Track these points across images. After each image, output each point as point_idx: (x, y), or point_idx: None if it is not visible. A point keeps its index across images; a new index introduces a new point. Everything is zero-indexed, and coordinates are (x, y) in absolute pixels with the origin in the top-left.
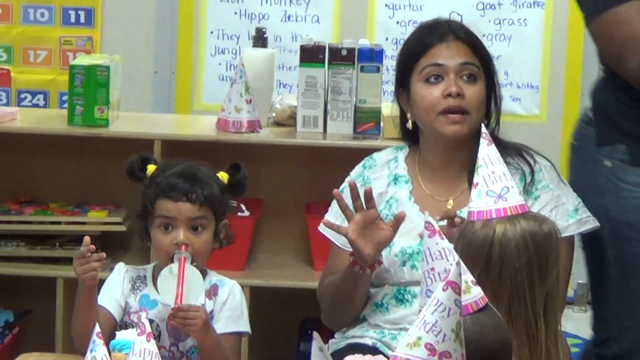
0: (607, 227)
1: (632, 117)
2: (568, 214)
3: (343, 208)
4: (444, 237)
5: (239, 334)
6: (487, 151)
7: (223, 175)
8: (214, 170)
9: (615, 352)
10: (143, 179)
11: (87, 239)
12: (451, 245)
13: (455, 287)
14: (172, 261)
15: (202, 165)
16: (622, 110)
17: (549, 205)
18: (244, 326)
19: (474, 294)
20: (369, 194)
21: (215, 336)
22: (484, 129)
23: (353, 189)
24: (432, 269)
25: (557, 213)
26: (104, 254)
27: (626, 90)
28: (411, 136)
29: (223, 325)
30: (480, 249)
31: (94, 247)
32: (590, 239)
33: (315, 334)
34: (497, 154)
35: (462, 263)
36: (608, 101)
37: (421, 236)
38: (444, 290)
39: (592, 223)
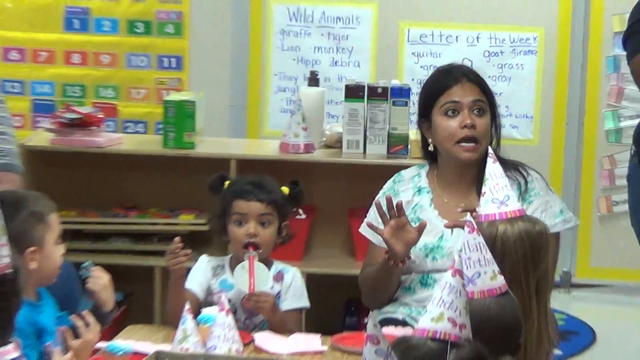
0: None
1: None
2: (555, 215)
3: (381, 215)
4: (481, 234)
5: (300, 310)
6: (492, 167)
7: (285, 189)
8: (277, 183)
9: None
10: (221, 192)
11: (177, 238)
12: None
13: (461, 274)
14: (245, 250)
15: (268, 177)
16: None
17: (540, 208)
18: (305, 302)
19: (499, 281)
20: (400, 206)
21: (280, 314)
22: (490, 151)
23: (389, 201)
24: (469, 258)
25: (546, 214)
26: (189, 250)
27: None
28: (431, 156)
29: (289, 303)
30: (486, 244)
31: (181, 244)
32: None
33: (372, 313)
34: (501, 169)
35: (491, 255)
36: None
37: (449, 225)
38: (453, 276)
39: (574, 222)
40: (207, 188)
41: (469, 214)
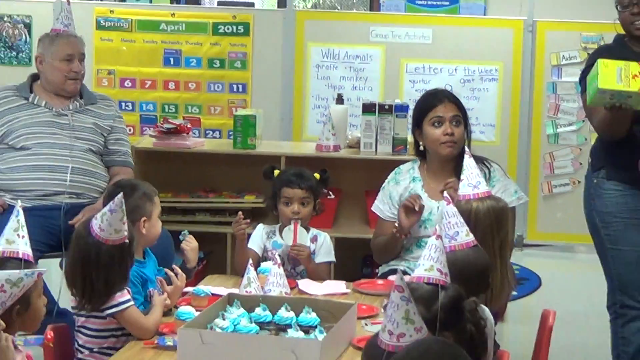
0: (598, 218)
1: (607, 153)
2: (511, 194)
3: (403, 205)
4: (455, 206)
5: (329, 263)
6: (468, 161)
7: (317, 175)
8: (312, 172)
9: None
10: (272, 178)
11: (239, 213)
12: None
13: (440, 238)
14: (289, 224)
15: (306, 169)
16: (602, 150)
17: (501, 190)
18: (332, 258)
19: (471, 237)
20: (417, 196)
21: (314, 264)
22: (467, 150)
23: (413, 198)
24: (449, 222)
25: (505, 194)
26: (248, 220)
27: (602, 140)
28: (421, 154)
29: (321, 257)
30: (464, 216)
31: (243, 216)
32: (592, 229)
33: (399, 270)
34: (474, 163)
35: (463, 219)
36: (596, 146)
37: (447, 200)
38: (436, 239)
39: (525, 199)
40: (262, 174)
41: (445, 192)
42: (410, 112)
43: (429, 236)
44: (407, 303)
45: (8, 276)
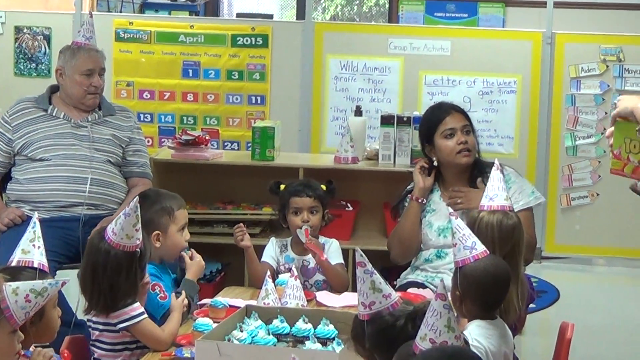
0: None
1: None
2: (528, 195)
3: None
4: (458, 218)
5: (342, 263)
6: (494, 174)
7: (323, 186)
8: (319, 183)
9: None
10: (278, 193)
11: (240, 224)
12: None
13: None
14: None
15: (312, 179)
16: None
17: (518, 190)
18: (342, 260)
19: (485, 248)
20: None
21: (327, 261)
22: (497, 163)
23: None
24: (464, 235)
25: (522, 194)
26: (245, 230)
27: None
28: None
29: (334, 259)
30: (470, 224)
31: (243, 226)
32: None
33: (442, 280)
34: (500, 176)
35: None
36: None
37: (453, 215)
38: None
39: (542, 199)
40: (268, 190)
41: (450, 208)
42: None
43: (448, 246)
44: (449, 311)
45: (32, 286)
